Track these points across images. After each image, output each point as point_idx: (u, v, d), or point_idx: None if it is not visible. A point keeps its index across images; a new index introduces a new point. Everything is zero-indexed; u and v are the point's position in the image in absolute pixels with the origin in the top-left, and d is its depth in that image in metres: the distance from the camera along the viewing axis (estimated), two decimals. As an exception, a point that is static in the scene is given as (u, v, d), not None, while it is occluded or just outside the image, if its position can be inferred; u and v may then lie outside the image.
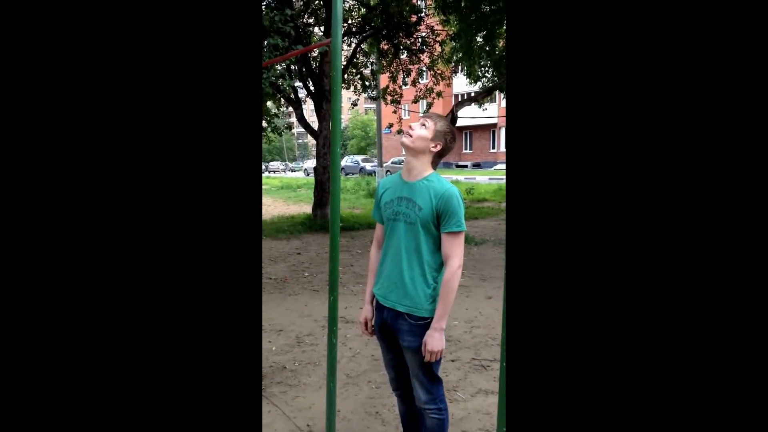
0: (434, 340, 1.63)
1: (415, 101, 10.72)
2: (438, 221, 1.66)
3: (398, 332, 1.72)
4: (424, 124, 1.71)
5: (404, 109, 11.60)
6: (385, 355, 1.88)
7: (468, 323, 3.77)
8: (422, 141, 1.69)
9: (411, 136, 1.69)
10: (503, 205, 11.54)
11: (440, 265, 1.70)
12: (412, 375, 1.75)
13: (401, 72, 10.33)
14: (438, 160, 1.75)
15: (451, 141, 1.74)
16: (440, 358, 1.72)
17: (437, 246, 1.69)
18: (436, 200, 1.65)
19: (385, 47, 9.74)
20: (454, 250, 1.65)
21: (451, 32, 9.40)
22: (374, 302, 1.84)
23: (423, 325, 1.67)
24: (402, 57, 10.10)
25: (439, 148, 1.72)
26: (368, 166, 24.87)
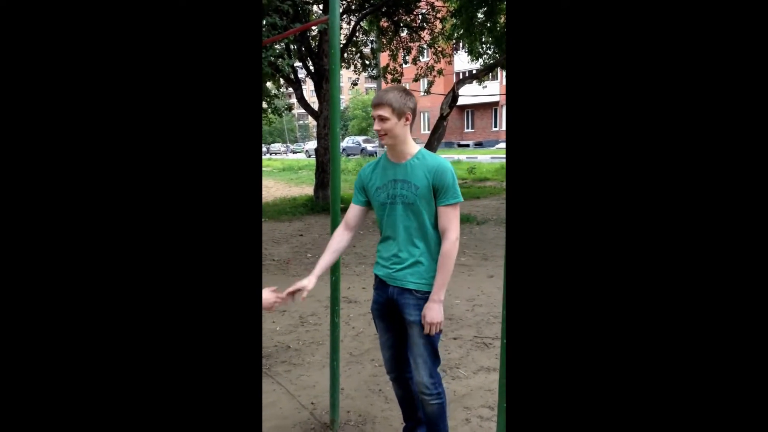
0: (433, 312, 1.65)
1: (416, 80, 10.59)
2: (435, 196, 1.67)
3: (403, 307, 1.73)
4: (381, 118, 1.65)
5: (405, 88, 11.46)
6: (382, 335, 1.88)
7: (470, 302, 3.80)
8: (395, 130, 1.66)
9: (385, 134, 1.66)
10: (504, 184, 11.49)
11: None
12: (416, 354, 1.74)
13: (401, 50, 10.19)
14: (412, 126, 1.73)
15: (410, 101, 1.67)
16: (440, 335, 1.74)
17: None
18: (431, 176, 1.66)
19: (385, 25, 9.59)
20: (452, 222, 1.67)
21: (451, 9, 9.23)
22: (376, 282, 1.84)
23: (428, 298, 1.69)
24: (402, 34, 9.95)
25: (410, 119, 1.68)
26: (369, 146, 24.73)
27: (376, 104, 1.67)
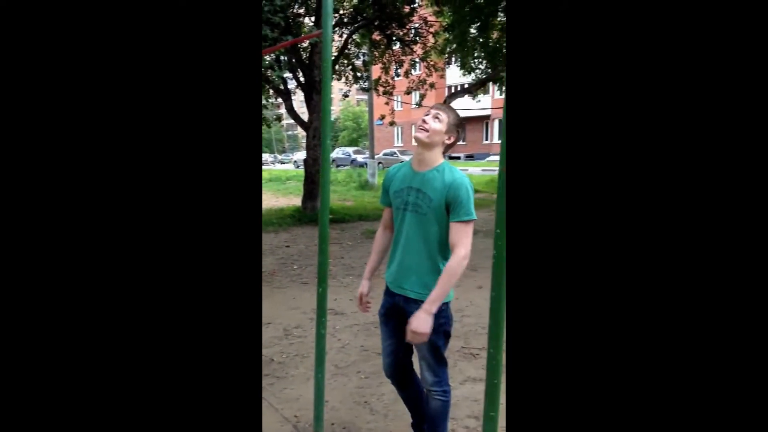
0: (419, 321, 1.62)
1: (408, 92, 10.67)
2: (448, 211, 1.66)
3: (410, 315, 1.72)
4: (437, 117, 1.68)
5: (396, 101, 11.55)
6: (384, 340, 1.88)
7: (458, 312, 3.78)
8: (438, 135, 1.68)
9: (427, 131, 1.67)
10: (495, 196, 11.51)
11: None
12: (420, 357, 1.77)
13: (393, 63, 10.26)
14: (447, 149, 1.76)
15: (462, 132, 1.77)
16: (445, 342, 1.75)
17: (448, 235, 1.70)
18: (446, 190, 1.64)
19: (378, 38, 9.65)
20: (462, 239, 1.64)
21: (444, 23, 9.34)
22: (385, 287, 1.85)
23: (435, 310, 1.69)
24: (394, 48, 10.02)
25: (452, 140, 1.73)
26: (360, 157, 24.73)
27: (440, 108, 1.72)
